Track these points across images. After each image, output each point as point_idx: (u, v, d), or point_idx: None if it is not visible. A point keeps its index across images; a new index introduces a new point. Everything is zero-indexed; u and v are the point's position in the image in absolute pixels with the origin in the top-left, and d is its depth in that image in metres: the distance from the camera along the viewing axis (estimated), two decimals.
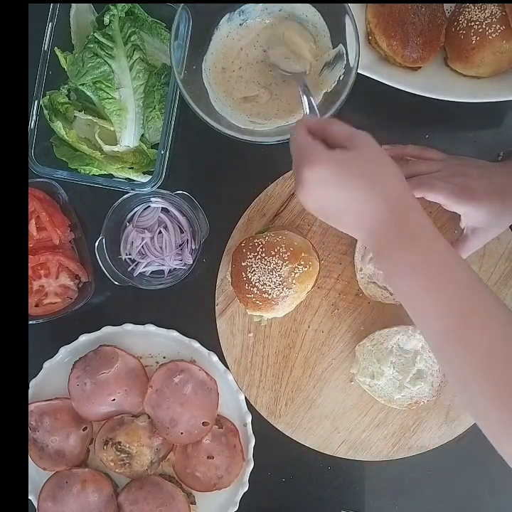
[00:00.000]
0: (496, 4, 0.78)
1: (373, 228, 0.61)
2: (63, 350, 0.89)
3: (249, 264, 0.79)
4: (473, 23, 0.79)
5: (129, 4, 0.83)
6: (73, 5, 0.84)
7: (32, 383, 0.89)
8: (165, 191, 0.84)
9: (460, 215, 0.77)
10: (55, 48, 0.82)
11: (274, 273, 0.78)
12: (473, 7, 0.79)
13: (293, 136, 0.66)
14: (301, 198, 0.63)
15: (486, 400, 0.56)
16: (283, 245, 0.79)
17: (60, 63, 0.83)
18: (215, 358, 0.88)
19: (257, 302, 0.80)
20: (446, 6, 0.84)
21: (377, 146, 0.63)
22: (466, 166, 0.77)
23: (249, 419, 0.89)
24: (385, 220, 0.60)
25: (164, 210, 0.89)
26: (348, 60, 0.77)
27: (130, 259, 0.89)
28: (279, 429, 0.89)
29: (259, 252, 0.79)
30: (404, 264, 0.60)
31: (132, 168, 0.86)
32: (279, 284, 0.78)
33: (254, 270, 0.79)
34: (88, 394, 0.87)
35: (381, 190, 0.60)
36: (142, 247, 0.88)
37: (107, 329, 0.89)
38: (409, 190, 0.62)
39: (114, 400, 0.88)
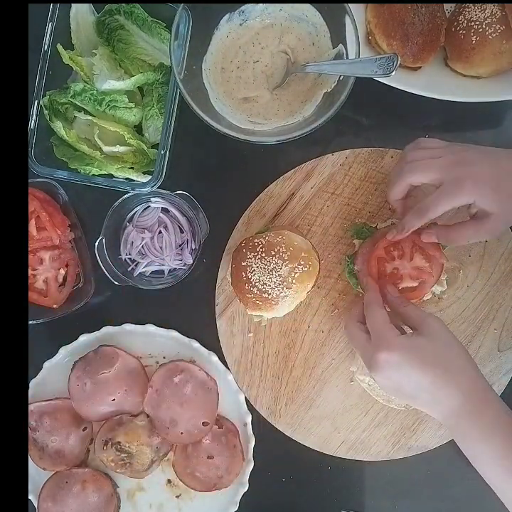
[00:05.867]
0: (496, 4, 0.78)
1: (448, 413, 0.69)
2: (63, 350, 0.89)
3: (249, 264, 0.79)
4: (473, 23, 0.79)
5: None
6: (73, 5, 0.84)
7: (32, 383, 0.89)
8: (165, 191, 0.84)
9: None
10: (58, 44, 0.82)
11: (274, 273, 0.78)
12: (473, 7, 0.80)
13: (369, 316, 0.74)
14: (376, 376, 0.71)
15: None
16: (283, 245, 0.79)
17: (62, 62, 0.83)
18: (215, 358, 0.88)
19: (257, 302, 0.80)
20: (446, 6, 0.84)
21: (448, 332, 0.71)
22: (469, 151, 0.73)
23: (249, 419, 0.89)
24: (459, 410, 0.68)
25: (164, 210, 0.89)
26: None
27: (130, 259, 0.89)
28: (279, 429, 0.89)
29: (259, 252, 0.79)
30: (481, 453, 0.68)
31: (132, 168, 0.86)
32: (279, 284, 0.78)
33: (254, 270, 0.79)
34: (88, 394, 0.87)
35: (456, 380, 0.68)
36: (142, 247, 0.88)
37: (107, 329, 0.89)
38: (482, 377, 0.70)
39: (114, 399, 0.88)
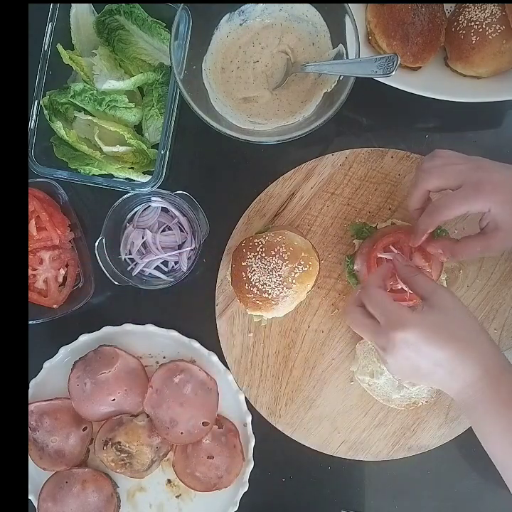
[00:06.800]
0: (496, 4, 0.78)
1: (463, 387, 0.66)
2: (63, 350, 0.89)
3: (249, 264, 0.79)
4: (473, 23, 0.79)
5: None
6: (73, 5, 0.84)
7: (32, 383, 0.89)
8: (165, 191, 0.84)
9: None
10: (58, 44, 0.82)
11: (274, 273, 0.78)
12: (473, 7, 0.80)
13: (372, 298, 0.69)
14: (389, 358, 0.66)
15: None
16: (283, 245, 0.79)
17: (62, 62, 0.83)
18: (215, 358, 0.88)
19: (257, 302, 0.80)
20: (446, 6, 0.84)
21: (461, 304, 0.68)
22: (486, 161, 0.71)
23: (249, 419, 0.89)
24: (476, 384, 0.65)
25: (164, 210, 0.89)
26: None
27: (130, 259, 0.89)
28: (279, 429, 0.89)
29: (259, 252, 0.79)
30: (493, 428, 0.65)
31: (132, 168, 0.86)
32: (279, 284, 0.78)
33: (254, 270, 0.79)
34: (88, 394, 0.87)
35: (475, 354, 0.65)
36: (143, 246, 0.88)
37: (107, 329, 0.89)
38: (500, 352, 0.67)
39: (114, 399, 0.88)
